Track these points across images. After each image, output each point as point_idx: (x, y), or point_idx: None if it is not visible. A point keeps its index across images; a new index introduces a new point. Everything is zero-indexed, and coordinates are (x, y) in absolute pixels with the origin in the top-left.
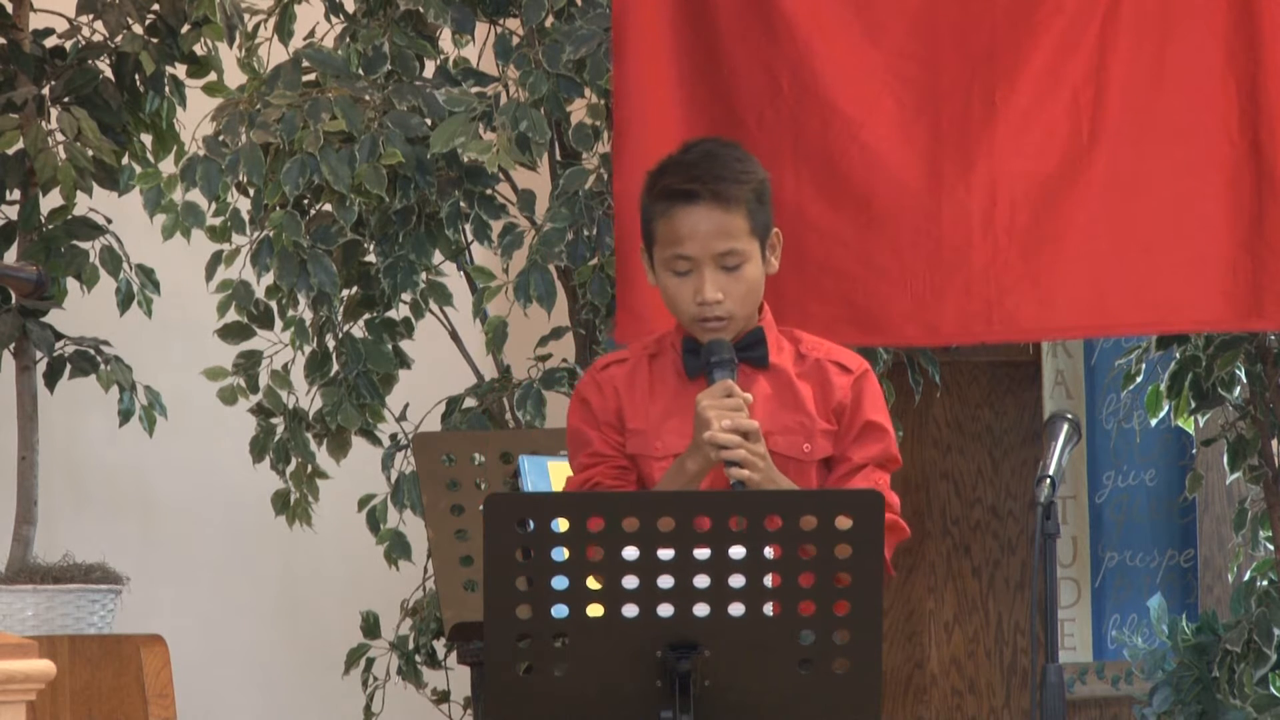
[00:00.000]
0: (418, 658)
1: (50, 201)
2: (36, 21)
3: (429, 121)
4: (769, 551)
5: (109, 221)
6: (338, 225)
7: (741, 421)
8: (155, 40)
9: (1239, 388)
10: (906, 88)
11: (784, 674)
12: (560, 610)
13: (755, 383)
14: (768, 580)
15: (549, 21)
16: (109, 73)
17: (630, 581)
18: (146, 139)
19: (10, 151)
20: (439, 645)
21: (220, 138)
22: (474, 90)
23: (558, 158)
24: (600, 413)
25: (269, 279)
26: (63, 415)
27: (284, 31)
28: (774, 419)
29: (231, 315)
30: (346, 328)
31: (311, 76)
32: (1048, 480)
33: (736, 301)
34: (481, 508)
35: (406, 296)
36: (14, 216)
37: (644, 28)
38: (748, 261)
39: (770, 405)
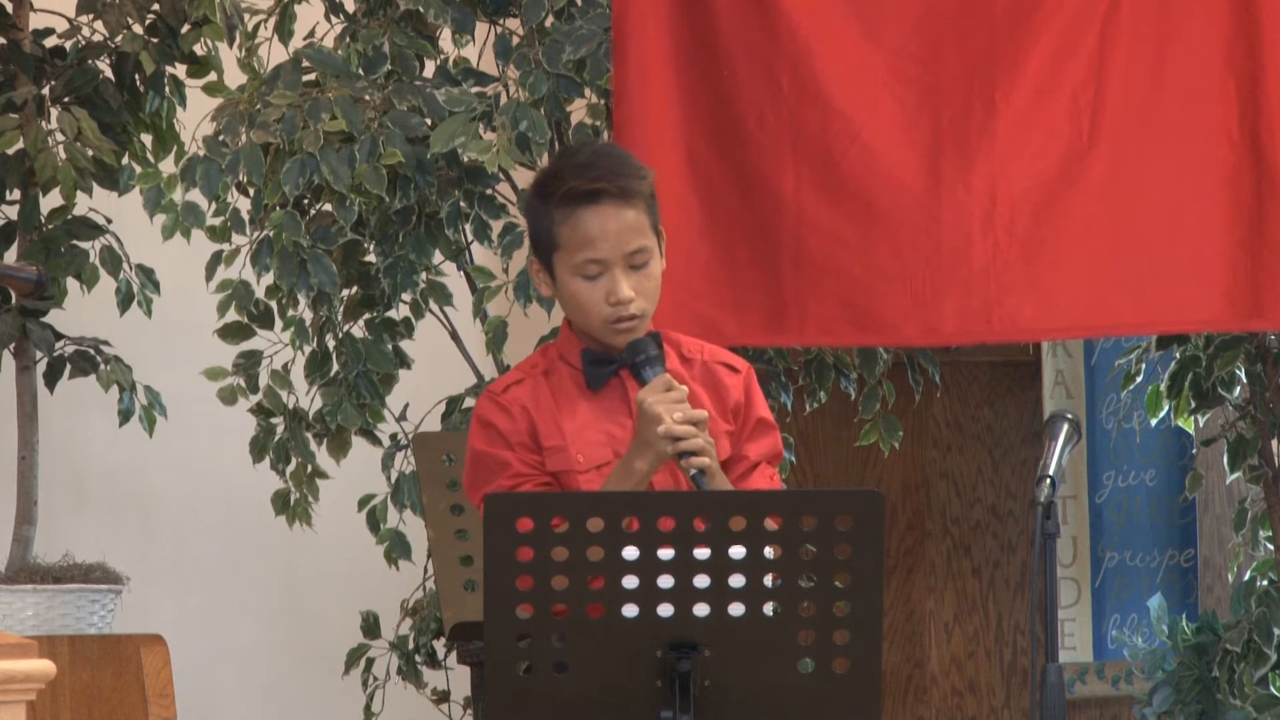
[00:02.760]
0: (418, 658)
1: (50, 201)
2: (36, 21)
3: (429, 121)
4: (769, 551)
5: (109, 221)
6: (338, 225)
7: (691, 412)
8: (155, 40)
9: (1239, 388)
10: (906, 88)
11: (784, 674)
12: (560, 610)
13: None
14: (768, 580)
15: (549, 21)
16: (109, 73)
17: (630, 581)
18: (146, 139)
19: (10, 151)
20: (439, 645)
21: (220, 138)
22: (474, 90)
23: None
24: (511, 434)
25: (269, 279)
26: (63, 415)
27: (284, 31)
28: None
29: (231, 315)
30: (346, 328)
31: (311, 76)
32: (1048, 480)
33: (647, 299)
34: (481, 508)
35: (406, 296)
36: (14, 216)
37: (644, 28)
38: (653, 258)
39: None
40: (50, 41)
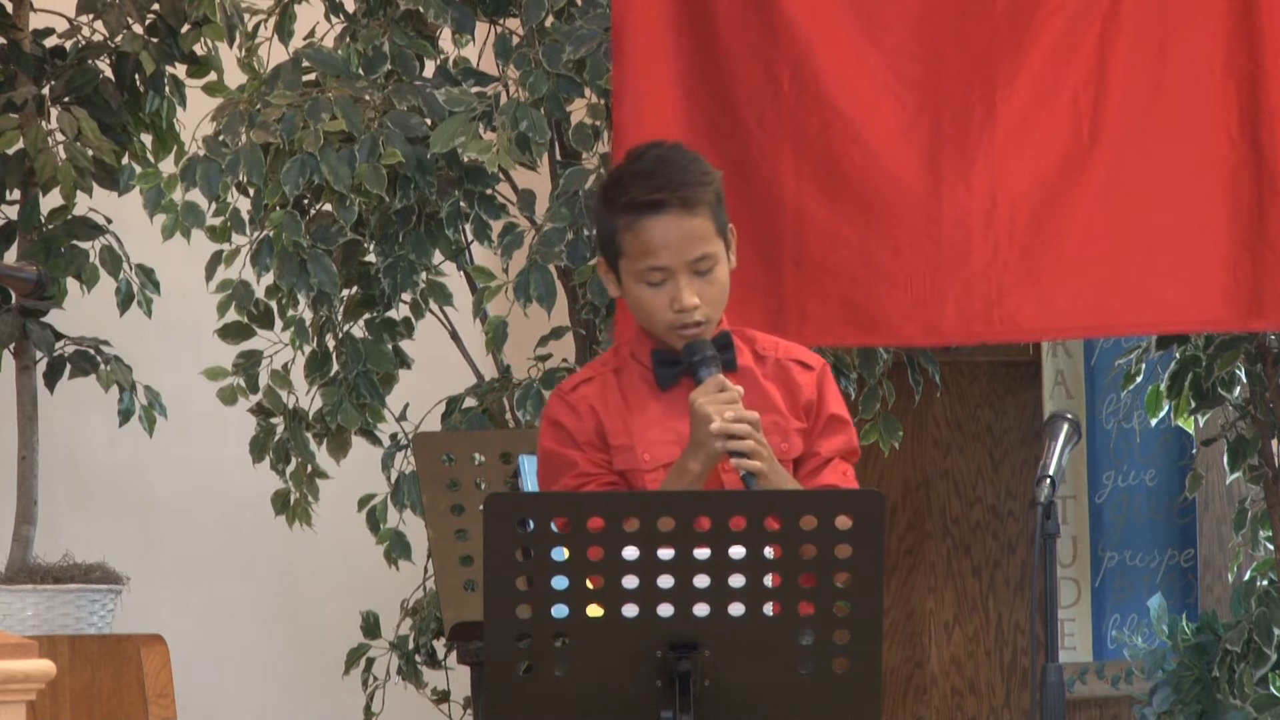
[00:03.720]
0: (418, 658)
1: (50, 201)
2: (36, 21)
3: (429, 121)
4: (769, 551)
5: (109, 221)
6: (338, 225)
7: (743, 413)
8: (155, 40)
9: (1239, 388)
10: (907, 88)
11: (784, 674)
12: (560, 610)
13: None
14: (768, 580)
15: (549, 21)
16: (109, 73)
17: (630, 581)
18: (146, 139)
19: (10, 151)
20: (439, 645)
21: (220, 138)
22: (474, 90)
23: (558, 158)
24: (578, 434)
25: (269, 279)
26: (63, 415)
27: (284, 31)
28: None
29: (231, 315)
30: (346, 328)
31: (311, 76)
32: (1048, 480)
33: (712, 305)
34: (481, 508)
35: (406, 296)
36: (14, 216)
37: (644, 28)
38: (719, 264)
39: (744, 407)
40: (50, 41)
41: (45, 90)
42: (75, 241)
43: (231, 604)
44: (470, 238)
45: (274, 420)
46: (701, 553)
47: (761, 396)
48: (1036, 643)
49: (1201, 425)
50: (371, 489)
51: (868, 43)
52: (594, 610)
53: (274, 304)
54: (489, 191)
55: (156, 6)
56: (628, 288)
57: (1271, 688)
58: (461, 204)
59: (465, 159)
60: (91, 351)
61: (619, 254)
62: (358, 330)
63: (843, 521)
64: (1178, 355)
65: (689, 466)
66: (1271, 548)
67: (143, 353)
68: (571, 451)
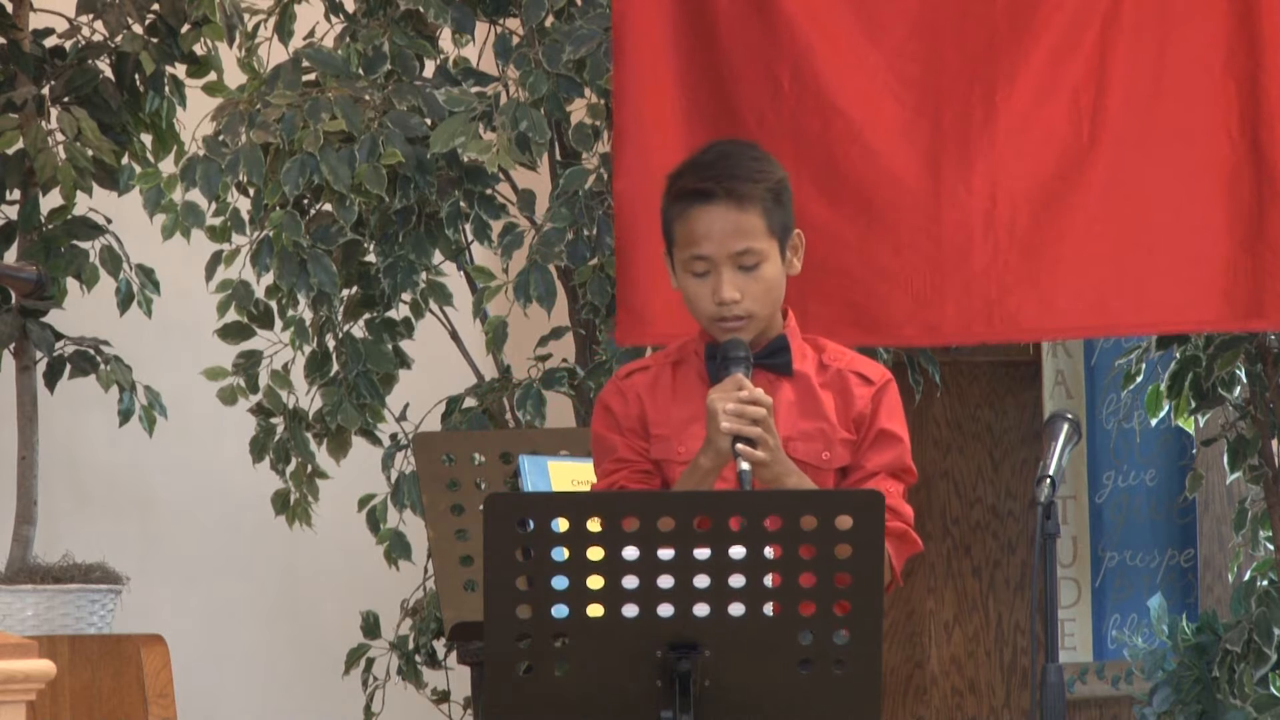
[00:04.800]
0: (418, 658)
1: (50, 201)
2: (36, 21)
3: (429, 121)
4: (769, 551)
5: (109, 221)
6: (338, 225)
7: (757, 394)
8: (155, 40)
9: (1239, 388)
10: (906, 88)
11: (784, 674)
12: (560, 610)
13: (779, 389)
14: (768, 580)
15: (549, 21)
16: (109, 73)
17: (630, 581)
18: (146, 139)
19: (10, 151)
20: (439, 645)
21: (220, 138)
22: (474, 90)
23: (558, 158)
24: (623, 419)
25: (269, 279)
26: (63, 415)
27: (284, 31)
28: (795, 425)
29: (231, 315)
30: (346, 328)
31: (311, 76)
32: (1048, 480)
33: (754, 301)
34: (481, 508)
35: (406, 296)
36: (14, 216)
37: (644, 28)
38: (765, 261)
39: (792, 412)
40: (50, 41)
41: (45, 90)
42: (75, 241)
43: (231, 604)
44: (470, 238)
45: (274, 420)
46: (701, 553)
47: (813, 403)
48: (1036, 643)
49: (1201, 425)
50: (371, 489)
51: (868, 43)
52: (594, 610)
53: (274, 304)
54: (489, 191)
55: (156, 6)
56: (679, 277)
57: (1271, 688)
58: (461, 204)
59: (465, 159)
60: (91, 351)
61: (672, 242)
62: (358, 330)
63: (843, 521)
64: (1178, 355)
65: (700, 463)
66: (1271, 548)
67: (143, 353)
68: (614, 436)
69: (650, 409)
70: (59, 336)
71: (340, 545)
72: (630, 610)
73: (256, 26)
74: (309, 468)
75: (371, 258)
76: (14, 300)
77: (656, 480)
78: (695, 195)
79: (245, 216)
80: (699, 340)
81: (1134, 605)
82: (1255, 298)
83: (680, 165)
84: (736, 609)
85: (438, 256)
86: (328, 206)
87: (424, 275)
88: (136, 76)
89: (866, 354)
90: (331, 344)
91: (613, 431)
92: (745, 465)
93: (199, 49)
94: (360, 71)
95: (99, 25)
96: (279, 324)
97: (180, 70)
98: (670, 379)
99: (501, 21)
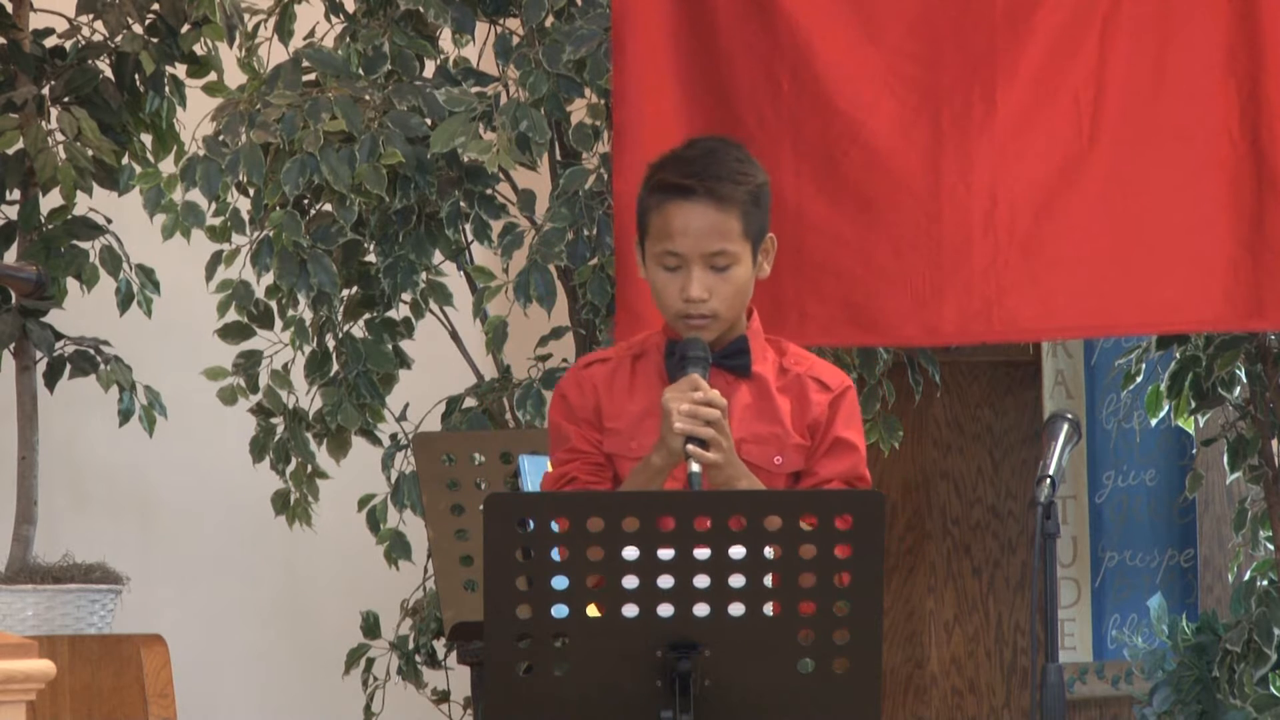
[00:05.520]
0: (418, 658)
1: (50, 201)
2: (36, 21)
3: (429, 121)
4: (769, 551)
5: (109, 221)
6: (338, 225)
7: (711, 395)
8: (155, 40)
9: (1239, 388)
10: (906, 88)
11: (784, 674)
12: (560, 610)
13: (736, 390)
14: (768, 580)
15: (549, 21)
16: (109, 73)
17: (630, 581)
18: (146, 139)
19: (10, 151)
20: (439, 645)
21: (220, 138)
22: (474, 90)
23: (558, 158)
24: (579, 410)
25: (269, 279)
26: (63, 415)
27: (284, 31)
28: (748, 428)
29: (231, 315)
30: (346, 328)
31: (311, 76)
32: (1048, 480)
33: (722, 301)
34: (481, 508)
35: (406, 296)
36: (14, 216)
37: (644, 28)
38: (737, 264)
39: (747, 414)
40: (50, 41)
41: (45, 90)
42: (75, 241)
43: (231, 604)
44: (470, 238)
45: (274, 420)
46: (701, 553)
47: (769, 407)
48: (1036, 643)
49: (1201, 425)
50: (371, 489)
51: (868, 43)
52: (594, 610)
53: (274, 304)
54: (489, 191)
55: (156, 6)
56: (648, 268)
57: (1271, 688)
58: (461, 204)
59: (465, 159)
60: (91, 351)
61: (646, 233)
62: (358, 330)
63: (843, 521)
64: (1178, 355)
65: (652, 461)
66: (1271, 548)
67: (143, 353)
68: (569, 425)
69: (605, 402)
70: (59, 336)
71: (340, 545)
72: (630, 610)
73: (256, 26)
74: (309, 468)
75: (371, 258)
76: (14, 300)
77: (608, 472)
78: (675, 190)
79: (245, 216)
80: (661, 335)
81: (1134, 605)
82: (1255, 297)
83: (663, 157)
84: (736, 609)
85: (438, 256)
86: (328, 206)
87: (424, 275)
88: (136, 76)
89: (866, 354)
90: (331, 344)
91: (568, 421)
92: (695, 467)
93: (199, 49)
94: (360, 71)
95: (99, 25)
96: (279, 324)
97: (180, 70)
98: (629, 372)
99: (501, 21)
